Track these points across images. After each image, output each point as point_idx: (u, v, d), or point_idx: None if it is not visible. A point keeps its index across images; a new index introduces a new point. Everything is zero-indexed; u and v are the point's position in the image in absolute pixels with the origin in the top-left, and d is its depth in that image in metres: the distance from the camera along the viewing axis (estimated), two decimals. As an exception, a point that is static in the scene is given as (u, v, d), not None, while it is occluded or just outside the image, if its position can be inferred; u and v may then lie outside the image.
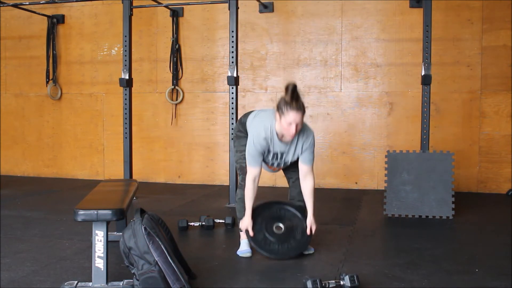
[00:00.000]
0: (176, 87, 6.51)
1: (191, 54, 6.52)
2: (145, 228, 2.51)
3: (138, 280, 2.48)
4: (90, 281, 2.59)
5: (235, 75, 5.02)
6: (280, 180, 6.11)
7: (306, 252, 3.34)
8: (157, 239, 2.51)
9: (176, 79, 6.51)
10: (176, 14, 6.48)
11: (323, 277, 2.71)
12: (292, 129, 3.07)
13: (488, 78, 5.74)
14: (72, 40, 6.91)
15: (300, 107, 3.07)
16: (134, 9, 5.34)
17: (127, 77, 5.25)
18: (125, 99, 5.29)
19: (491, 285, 2.77)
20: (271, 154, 3.26)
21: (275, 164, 3.34)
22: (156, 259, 2.47)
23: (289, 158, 3.29)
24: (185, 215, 4.46)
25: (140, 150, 6.55)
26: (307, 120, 6.10)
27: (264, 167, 3.38)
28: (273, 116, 3.18)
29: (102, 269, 2.56)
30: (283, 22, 6.24)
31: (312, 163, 3.30)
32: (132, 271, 2.52)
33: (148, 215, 2.64)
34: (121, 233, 2.63)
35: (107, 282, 2.56)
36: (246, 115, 3.43)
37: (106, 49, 6.79)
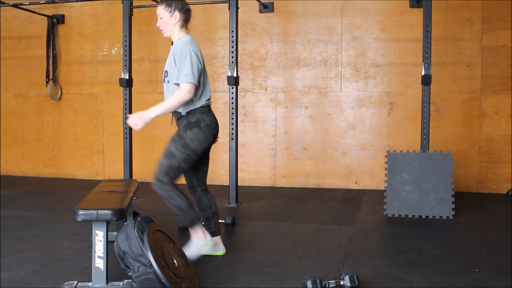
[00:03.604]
0: (176, 87, 6.50)
1: (191, 54, 6.51)
2: (137, 231, 2.52)
3: (135, 282, 2.49)
4: (90, 281, 2.60)
5: (235, 75, 5.02)
6: (280, 180, 6.11)
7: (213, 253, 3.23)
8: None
9: (176, 79, 6.50)
10: (176, 14, 6.47)
11: (323, 277, 2.71)
12: (157, 24, 3.14)
13: (488, 78, 5.74)
14: (72, 40, 6.91)
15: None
16: (134, 9, 5.34)
17: (127, 77, 5.26)
18: (125, 99, 5.30)
19: (491, 285, 2.77)
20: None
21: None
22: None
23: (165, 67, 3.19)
24: (185, 215, 4.45)
25: (140, 150, 6.54)
26: (307, 119, 6.16)
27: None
28: None
29: (102, 269, 2.56)
30: (283, 22, 6.24)
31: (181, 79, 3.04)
32: (129, 274, 2.53)
33: (141, 217, 2.64)
34: (121, 234, 2.63)
35: (107, 282, 2.56)
36: None
37: (106, 49, 6.79)
